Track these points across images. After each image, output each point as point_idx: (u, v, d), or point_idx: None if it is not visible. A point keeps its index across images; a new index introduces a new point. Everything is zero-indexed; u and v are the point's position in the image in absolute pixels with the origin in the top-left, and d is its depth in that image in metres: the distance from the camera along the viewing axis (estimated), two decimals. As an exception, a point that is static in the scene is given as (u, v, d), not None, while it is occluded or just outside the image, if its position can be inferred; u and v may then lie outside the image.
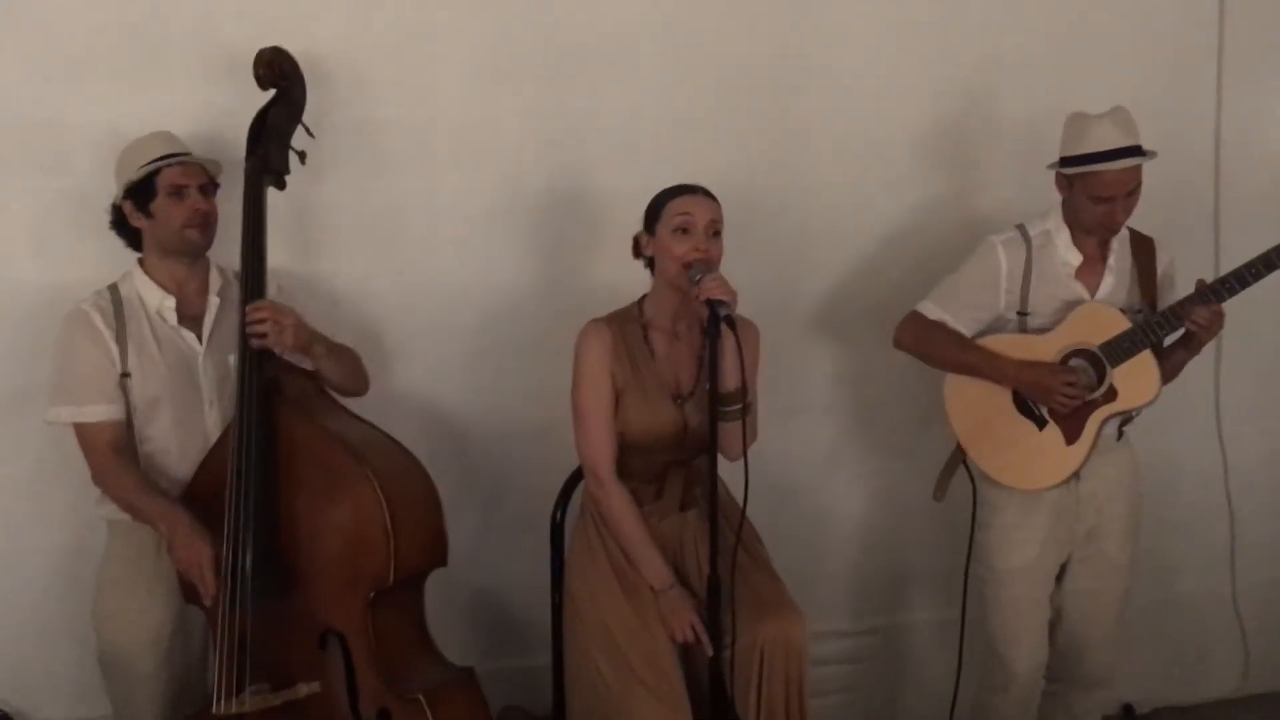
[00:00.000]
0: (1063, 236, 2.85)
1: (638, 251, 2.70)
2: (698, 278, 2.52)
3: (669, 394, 2.67)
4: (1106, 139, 2.73)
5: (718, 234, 2.60)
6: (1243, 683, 3.65)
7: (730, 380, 2.54)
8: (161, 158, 2.61)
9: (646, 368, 2.67)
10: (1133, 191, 2.76)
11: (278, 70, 2.64)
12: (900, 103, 3.33)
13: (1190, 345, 2.83)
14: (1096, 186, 2.73)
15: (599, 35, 3.14)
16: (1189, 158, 3.50)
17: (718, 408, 2.53)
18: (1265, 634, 3.65)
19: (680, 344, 2.71)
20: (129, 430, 2.61)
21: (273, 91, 2.67)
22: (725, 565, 2.50)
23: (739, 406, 2.56)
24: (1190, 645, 3.61)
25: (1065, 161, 2.78)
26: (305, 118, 2.72)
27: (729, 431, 2.57)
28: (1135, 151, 2.73)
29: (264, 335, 2.51)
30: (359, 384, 2.78)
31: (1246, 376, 3.55)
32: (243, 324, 2.54)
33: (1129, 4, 3.43)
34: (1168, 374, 2.86)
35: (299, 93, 2.67)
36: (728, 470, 2.59)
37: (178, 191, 2.60)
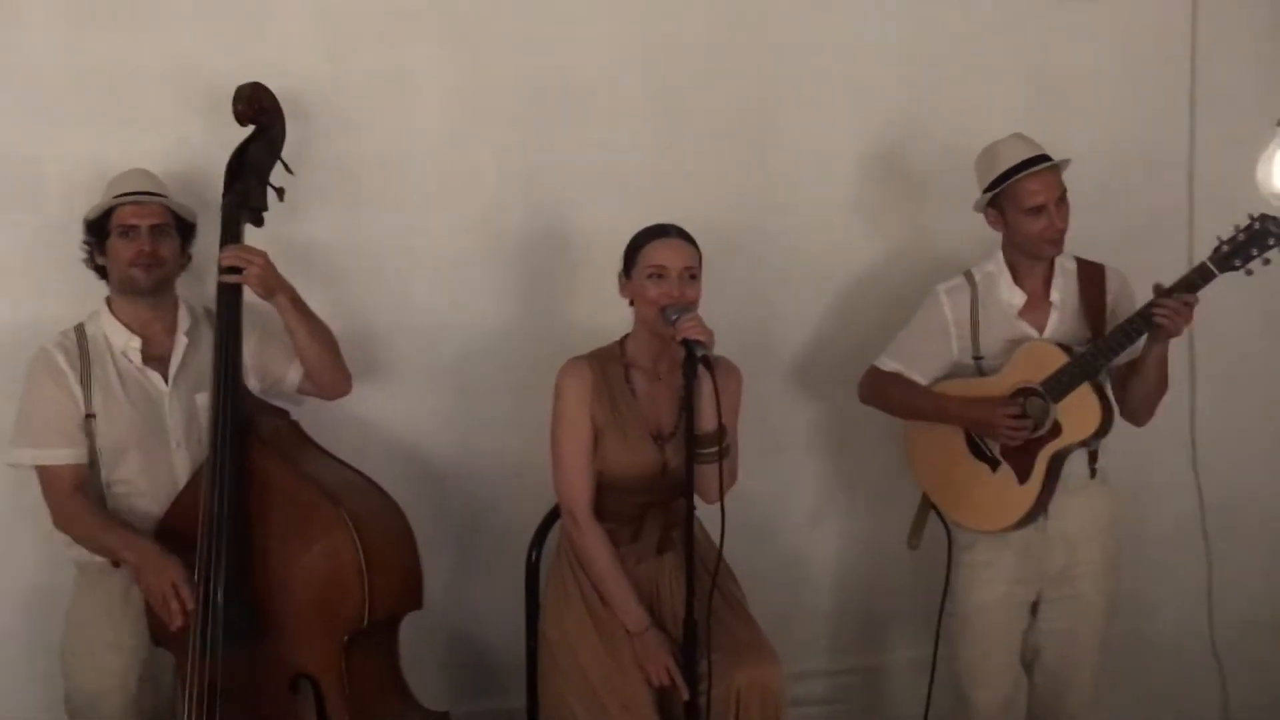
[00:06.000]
0: (1004, 278, 2.88)
1: (622, 290, 2.70)
2: (674, 317, 2.51)
3: (649, 434, 2.66)
4: (1018, 153, 2.80)
5: (694, 277, 2.60)
6: (1221, 721, 3.64)
7: (707, 421, 2.53)
8: (119, 195, 2.60)
9: (627, 407, 2.66)
10: (1061, 199, 2.79)
11: (257, 106, 2.63)
12: (875, 144, 3.36)
13: (1157, 340, 2.74)
14: (1025, 196, 2.77)
15: (577, 76, 3.16)
16: (1163, 197, 3.52)
17: (694, 449, 2.52)
18: (1244, 673, 3.63)
19: (661, 384, 2.70)
20: (93, 473, 2.58)
21: (251, 128, 2.65)
22: (701, 608, 2.48)
23: (716, 449, 2.55)
24: (1168, 684, 3.58)
25: (989, 189, 2.82)
26: (283, 154, 2.70)
27: (706, 474, 2.55)
28: (1047, 159, 2.79)
29: (234, 269, 2.50)
30: (335, 366, 2.72)
31: (1222, 415, 3.55)
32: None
33: (1102, 45, 3.46)
34: (1153, 380, 2.80)
35: (278, 129, 2.66)
36: (708, 512, 2.58)
37: (127, 231, 2.59)
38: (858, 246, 3.39)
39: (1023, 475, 2.81)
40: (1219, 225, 3.44)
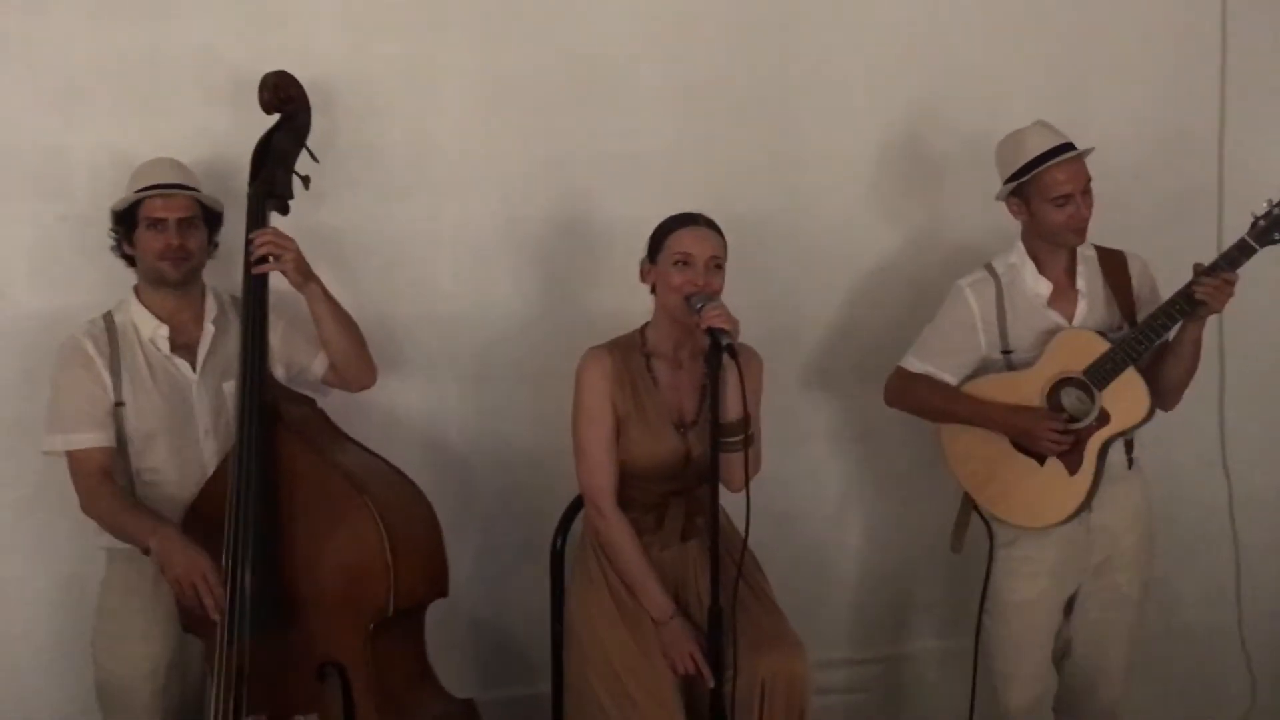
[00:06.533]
0: (1028, 268, 2.84)
1: (644, 277, 2.69)
2: (699, 306, 2.51)
3: (671, 423, 2.65)
4: (1044, 141, 2.76)
5: (719, 267, 2.59)
6: (1249, 713, 3.59)
7: (732, 410, 2.52)
8: (147, 188, 2.60)
9: (649, 396, 2.65)
10: (1086, 188, 2.76)
11: (283, 94, 2.63)
12: (896, 131, 3.33)
13: (1196, 318, 2.73)
14: (1053, 186, 2.73)
15: (599, 64, 3.15)
16: (1192, 180, 3.49)
17: (719, 438, 2.51)
18: (1272, 665, 3.60)
19: (683, 373, 2.69)
20: (122, 459, 2.60)
21: (277, 116, 2.65)
22: (727, 597, 2.48)
23: (741, 437, 2.54)
24: (1196, 676, 3.56)
25: (1013, 178, 2.79)
26: (308, 142, 2.70)
27: (731, 462, 2.54)
28: (1072, 147, 2.76)
29: (271, 256, 2.51)
30: (361, 357, 2.72)
31: (1252, 404, 3.50)
32: (247, 261, 2.54)
33: (1130, 29, 3.43)
34: (1188, 360, 2.80)
35: (304, 117, 2.66)
36: (730, 499, 2.57)
37: (155, 224, 2.59)
38: (877, 233, 3.37)
39: (1073, 467, 2.78)
40: (1249, 203, 3.41)
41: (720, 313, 2.47)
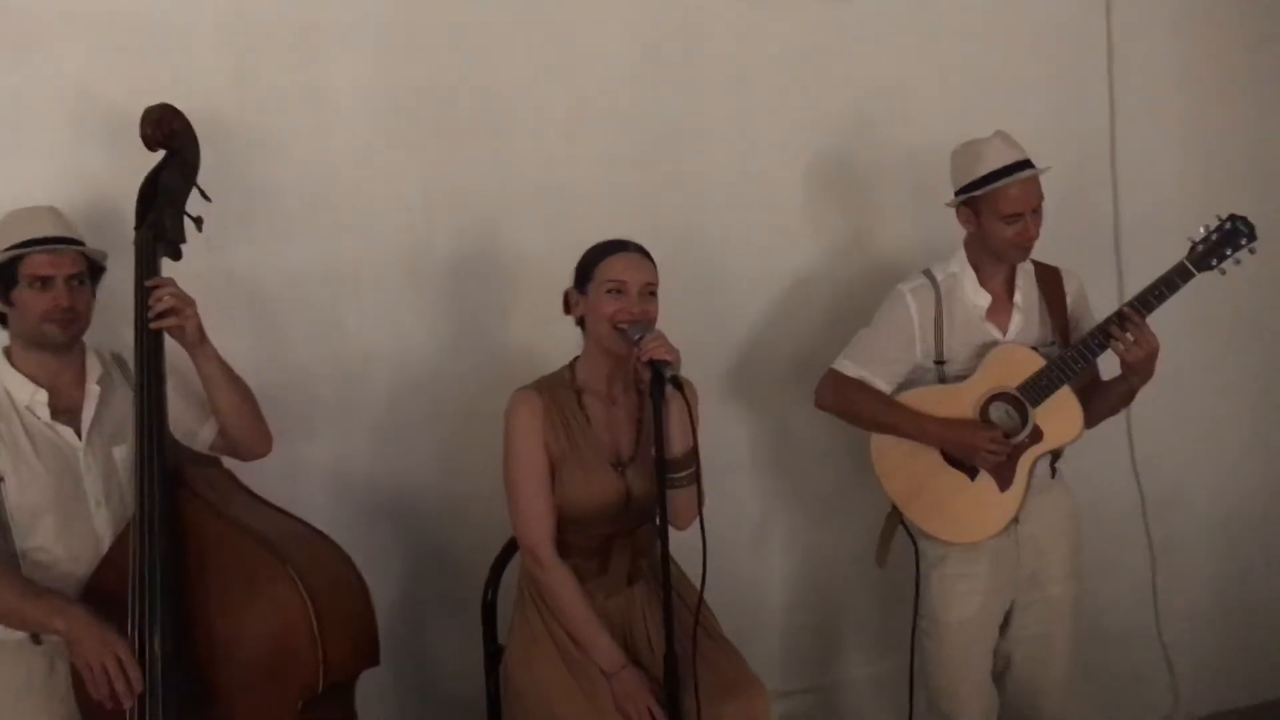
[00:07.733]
0: (969, 278, 2.82)
1: (568, 308, 2.56)
2: (637, 337, 2.39)
3: (609, 461, 2.53)
4: (1002, 156, 2.74)
5: (653, 294, 2.49)
6: (1173, 712, 3.66)
7: (678, 445, 2.42)
8: (29, 241, 2.35)
9: (583, 435, 2.52)
10: (1038, 208, 2.76)
11: (167, 129, 2.40)
12: (798, 147, 3.30)
13: (1127, 374, 2.79)
14: (1005, 203, 2.71)
15: (501, 90, 3.02)
16: (1087, 180, 3.55)
17: (665, 475, 2.39)
18: (1191, 665, 3.68)
19: (617, 408, 2.57)
20: (4, 540, 2.32)
21: (162, 153, 2.43)
22: (684, 644, 2.36)
23: (689, 471, 2.43)
24: (1120, 680, 3.60)
25: (967, 189, 2.76)
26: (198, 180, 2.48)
27: (678, 499, 2.44)
28: (1030, 164, 2.75)
29: (171, 311, 2.30)
30: (255, 424, 2.50)
31: (1157, 414, 3.53)
32: (140, 314, 2.32)
33: (1019, 33, 3.48)
34: (1116, 404, 2.86)
35: (192, 152, 2.44)
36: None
37: (40, 282, 2.34)
38: (793, 255, 3.33)
39: (1004, 483, 2.77)
40: (1143, 201, 3.49)
41: (660, 343, 2.36)
